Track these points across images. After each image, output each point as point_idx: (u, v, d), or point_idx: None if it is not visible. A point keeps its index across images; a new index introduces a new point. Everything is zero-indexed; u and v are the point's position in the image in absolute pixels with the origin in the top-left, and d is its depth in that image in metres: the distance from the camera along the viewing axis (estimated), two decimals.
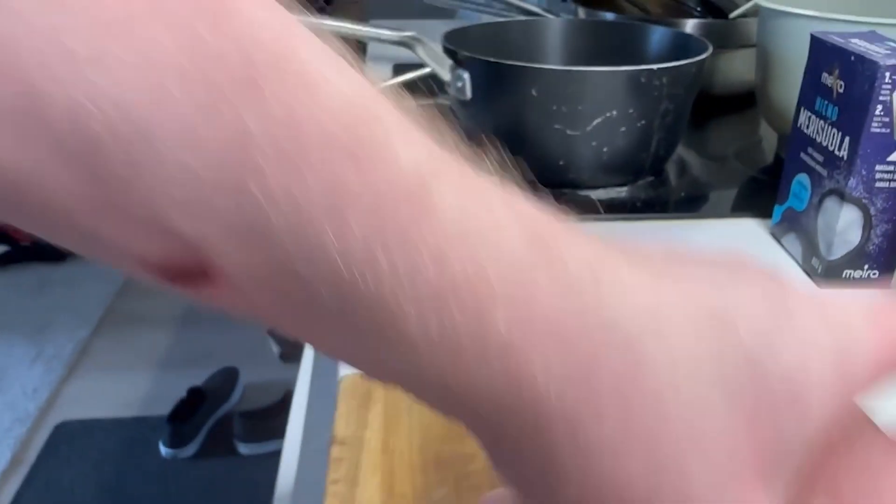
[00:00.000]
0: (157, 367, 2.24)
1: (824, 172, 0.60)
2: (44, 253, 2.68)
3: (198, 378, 2.12)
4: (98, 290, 2.56)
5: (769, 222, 0.72)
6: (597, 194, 0.78)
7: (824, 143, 0.60)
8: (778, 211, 0.69)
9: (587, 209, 0.76)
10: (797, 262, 0.66)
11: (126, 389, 2.15)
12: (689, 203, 0.78)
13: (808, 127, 0.63)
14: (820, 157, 0.61)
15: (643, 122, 0.75)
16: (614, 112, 0.73)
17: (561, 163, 0.76)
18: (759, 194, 0.80)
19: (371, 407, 0.43)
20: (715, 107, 1.06)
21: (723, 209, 0.77)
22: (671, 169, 0.86)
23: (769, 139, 0.96)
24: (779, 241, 0.70)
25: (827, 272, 0.61)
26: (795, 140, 0.65)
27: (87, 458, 1.95)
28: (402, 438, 0.40)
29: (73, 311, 2.47)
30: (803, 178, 0.64)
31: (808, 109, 0.62)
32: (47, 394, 2.15)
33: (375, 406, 0.43)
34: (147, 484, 1.88)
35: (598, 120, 0.73)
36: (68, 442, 2.00)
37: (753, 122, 1.05)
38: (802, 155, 0.64)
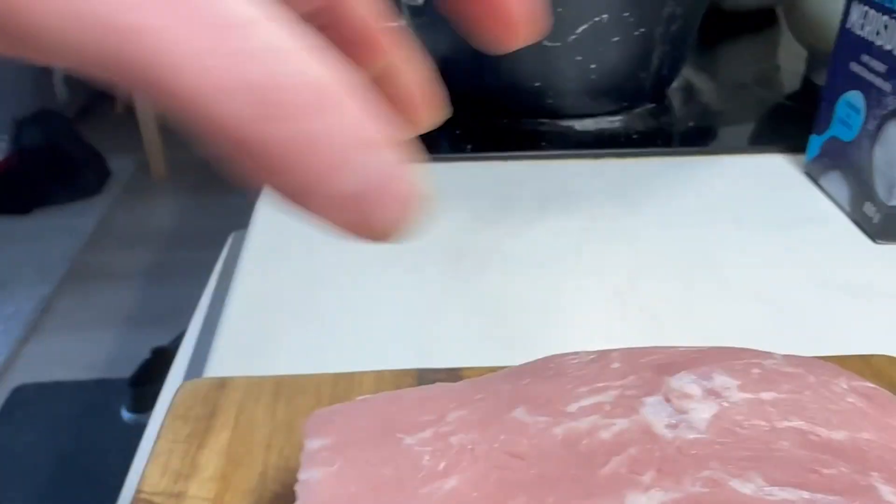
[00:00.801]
0: (122, 326, 2.11)
1: (887, 87, 0.44)
2: (5, 206, 2.53)
3: (163, 338, 1.98)
4: (62, 245, 2.42)
5: (802, 158, 0.56)
6: (583, 125, 0.62)
7: (888, 47, 0.44)
8: (815, 143, 0.53)
9: (570, 144, 0.60)
10: (842, 208, 0.50)
11: (88, 350, 2.02)
12: (699, 135, 0.62)
13: (863, 26, 0.46)
14: (881, 67, 0.45)
15: (642, 30, 0.58)
16: (605, 16, 0.56)
17: (536, 84, 0.60)
18: (787, 124, 0.64)
19: (210, 439, 0.27)
20: (724, 25, 0.89)
21: (740, 143, 0.61)
22: (676, 94, 0.69)
23: (792, 62, 0.79)
24: (816, 182, 0.54)
25: (886, 222, 0.46)
26: (843, 47, 0.49)
27: (45, 423, 1.83)
28: (244, 498, 0.25)
29: (34, 266, 2.33)
30: (854, 97, 0.48)
31: (864, 2, 0.46)
32: (5, 355, 2.02)
33: (218, 437, 0.28)
34: (108, 451, 1.76)
35: (584, 27, 0.57)
36: (25, 406, 1.88)
37: (771, 44, 0.88)
38: (853, 66, 0.47)
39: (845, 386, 0.23)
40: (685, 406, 0.21)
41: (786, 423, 0.21)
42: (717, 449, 0.20)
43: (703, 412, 0.21)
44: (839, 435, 0.21)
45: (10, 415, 1.85)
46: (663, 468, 0.20)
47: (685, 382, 0.22)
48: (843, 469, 0.20)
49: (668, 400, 0.22)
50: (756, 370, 0.23)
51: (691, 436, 0.20)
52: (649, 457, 0.20)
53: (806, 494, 0.19)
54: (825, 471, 0.19)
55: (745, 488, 0.19)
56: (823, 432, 0.21)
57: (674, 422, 0.21)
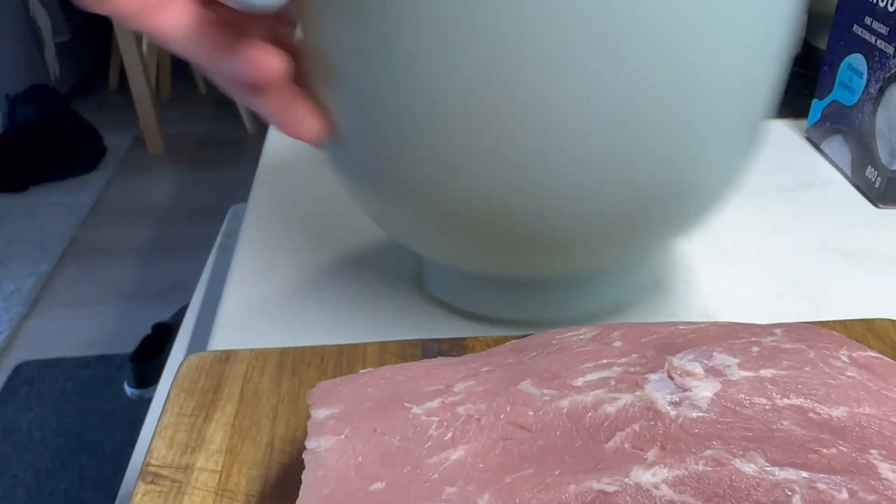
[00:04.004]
0: (122, 302, 2.11)
1: (890, 49, 0.44)
2: (3, 182, 2.52)
3: (164, 313, 1.99)
4: (60, 222, 2.41)
5: (803, 123, 0.56)
6: None
7: (891, 7, 0.43)
8: (817, 108, 0.53)
9: None
10: (844, 174, 0.50)
11: (89, 326, 2.02)
12: None
13: None
14: (883, 29, 0.44)
15: None
16: None
17: None
18: (787, 89, 0.63)
19: (216, 412, 0.27)
20: None
21: None
22: None
23: None
24: (817, 147, 0.53)
25: (889, 187, 0.46)
26: (845, 8, 0.48)
27: (48, 400, 1.84)
28: (251, 470, 0.25)
29: (34, 243, 2.32)
30: (856, 60, 0.47)
31: None
32: (6, 333, 2.02)
33: (223, 409, 0.28)
34: (111, 426, 1.78)
35: None
36: (28, 383, 1.89)
37: None
38: (856, 28, 0.47)
39: (846, 359, 0.23)
40: (687, 384, 0.22)
41: (786, 401, 0.21)
42: (720, 428, 0.20)
43: (704, 390, 0.21)
44: (838, 411, 0.21)
45: (13, 392, 1.86)
46: (666, 445, 0.20)
47: (687, 361, 0.22)
48: (843, 448, 0.20)
49: (670, 377, 0.22)
50: (755, 348, 0.23)
51: (694, 414, 0.21)
52: (653, 433, 0.20)
53: (806, 474, 0.19)
54: (825, 450, 0.20)
55: (747, 468, 0.19)
56: (823, 409, 0.21)
57: (676, 399, 0.21)
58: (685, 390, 0.21)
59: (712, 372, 0.22)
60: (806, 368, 0.22)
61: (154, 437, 0.26)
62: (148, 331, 1.86)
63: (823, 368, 0.22)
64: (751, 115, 0.31)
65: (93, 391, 1.81)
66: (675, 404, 0.21)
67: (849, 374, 0.22)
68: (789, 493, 0.19)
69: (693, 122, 0.27)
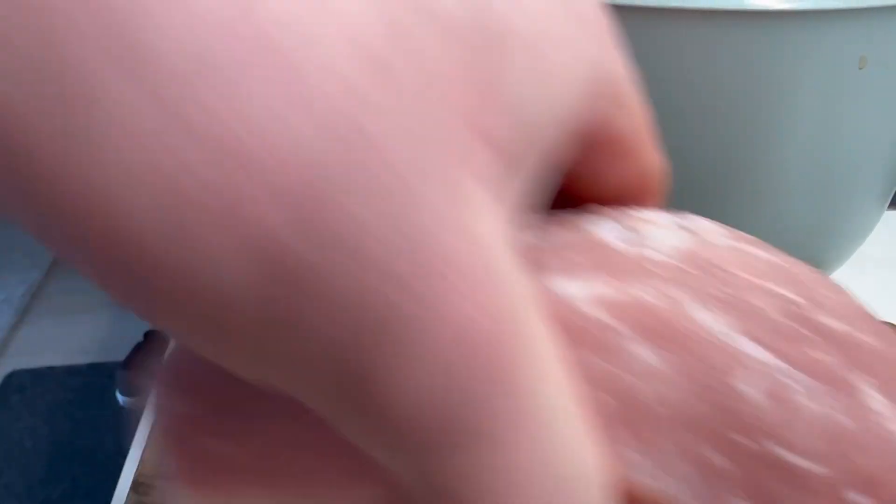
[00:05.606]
0: (114, 309, 2.11)
1: None
2: None
3: None
4: None
5: None
6: None
7: None
8: None
9: None
10: None
11: (81, 334, 2.02)
12: None
13: None
14: None
15: None
16: None
17: None
18: None
19: None
20: None
21: None
22: None
23: None
24: None
25: None
26: None
27: (40, 408, 1.84)
28: None
29: (24, 252, 2.32)
30: None
31: None
32: None
33: None
34: (103, 434, 1.77)
35: None
36: (19, 392, 1.89)
37: None
38: None
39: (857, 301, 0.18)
40: (648, 231, 0.16)
41: (776, 288, 0.16)
42: (684, 276, 0.15)
43: (671, 240, 0.16)
44: (837, 324, 0.16)
45: (4, 401, 1.85)
46: (611, 272, 0.15)
47: (653, 214, 0.17)
48: (833, 359, 0.15)
49: (626, 227, 0.16)
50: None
51: (654, 256, 0.16)
52: (593, 262, 0.15)
53: (783, 365, 0.15)
54: (811, 352, 0.15)
55: (705, 320, 0.15)
56: (820, 315, 0.16)
57: (632, 238, 0.16)
58: (644, 236, 0.16)
59: (685, 230, 0.17)
60: (808, 273, 0.17)
61: (146, 448, 0.26)
62: (140, 338, 1.85)
63: (828, 283, 0.17)
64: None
65: (85, 399, 1.80)
66: (629, 243, 0.16)
67: (855, 301, 0.17)
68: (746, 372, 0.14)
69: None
